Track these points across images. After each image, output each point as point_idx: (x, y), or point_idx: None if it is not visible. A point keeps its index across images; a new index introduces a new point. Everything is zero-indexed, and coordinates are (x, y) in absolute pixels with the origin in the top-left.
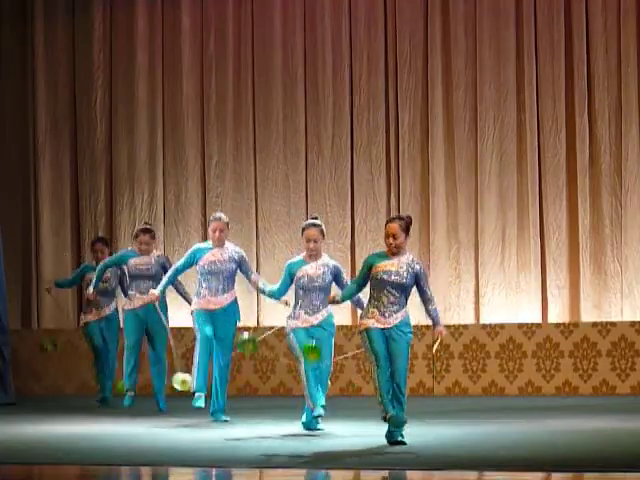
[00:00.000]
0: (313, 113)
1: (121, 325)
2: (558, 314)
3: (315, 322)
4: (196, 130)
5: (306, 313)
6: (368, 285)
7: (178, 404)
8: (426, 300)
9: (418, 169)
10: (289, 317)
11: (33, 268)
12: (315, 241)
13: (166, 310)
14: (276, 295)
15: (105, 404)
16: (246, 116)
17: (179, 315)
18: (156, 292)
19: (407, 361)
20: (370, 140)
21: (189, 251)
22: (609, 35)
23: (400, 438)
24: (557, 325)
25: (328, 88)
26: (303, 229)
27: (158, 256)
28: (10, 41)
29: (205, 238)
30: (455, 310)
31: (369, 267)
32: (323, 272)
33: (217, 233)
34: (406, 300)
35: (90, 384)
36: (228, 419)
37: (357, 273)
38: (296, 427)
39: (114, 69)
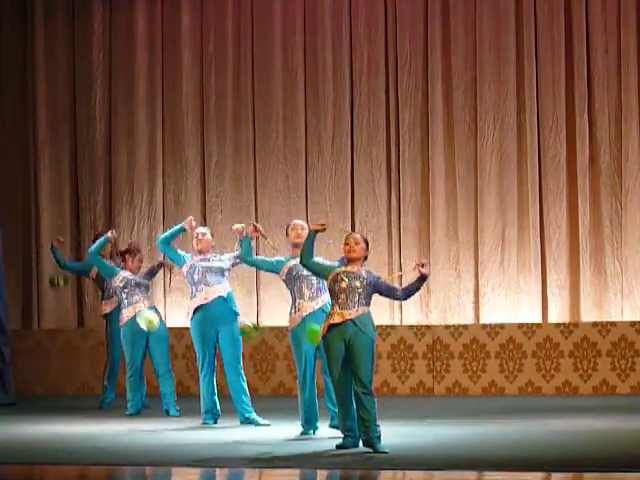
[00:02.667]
0: (313, 113)
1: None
2: (558, 314)
3: (317, 306)
4: (196, 130)
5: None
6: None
7: (178, 405)
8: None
9: (418, 169)
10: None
11: (33, 268)
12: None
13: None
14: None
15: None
16: (246, 116)
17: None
18: None
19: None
20: (370, 140)
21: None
22: (609, 35)
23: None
24: (557, 325)
25: (328, 88)
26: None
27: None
28: (10, 41)
29: None
30: (455, 310)
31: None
32: None
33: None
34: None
35: (90, 384)
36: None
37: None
38: (296, 427)
39: (114, 69)
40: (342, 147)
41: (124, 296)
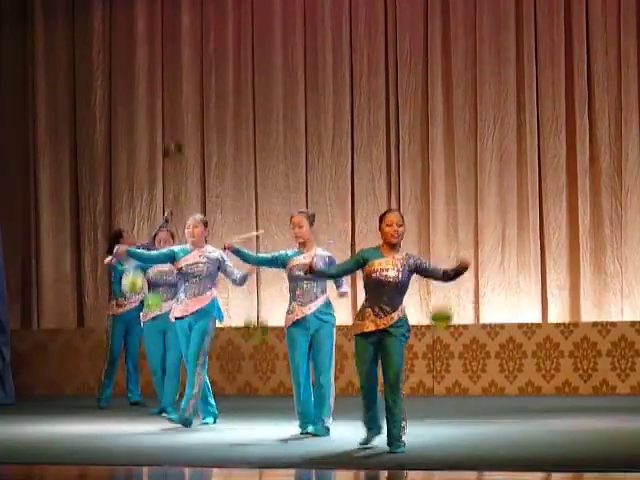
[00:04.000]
0: (313, 113)
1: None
2: (558, 314)
3: (308, 312)
4: (196, 130)
5: (300, 304)
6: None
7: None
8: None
9: (418, 169)
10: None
11: (33, 268)
12: (300, 226)
13: None
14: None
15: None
16: (246, 116)
17: None
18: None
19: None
20: (370, 140)
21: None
22: (609, 35)
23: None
24: (557, 325)
25: (328, 88)
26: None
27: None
28: (10, 41)
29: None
30: (455, 310)
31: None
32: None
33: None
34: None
35: (90, 384)
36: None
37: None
38: (296, 427)
39: (114, 69)
40: (342, 147)
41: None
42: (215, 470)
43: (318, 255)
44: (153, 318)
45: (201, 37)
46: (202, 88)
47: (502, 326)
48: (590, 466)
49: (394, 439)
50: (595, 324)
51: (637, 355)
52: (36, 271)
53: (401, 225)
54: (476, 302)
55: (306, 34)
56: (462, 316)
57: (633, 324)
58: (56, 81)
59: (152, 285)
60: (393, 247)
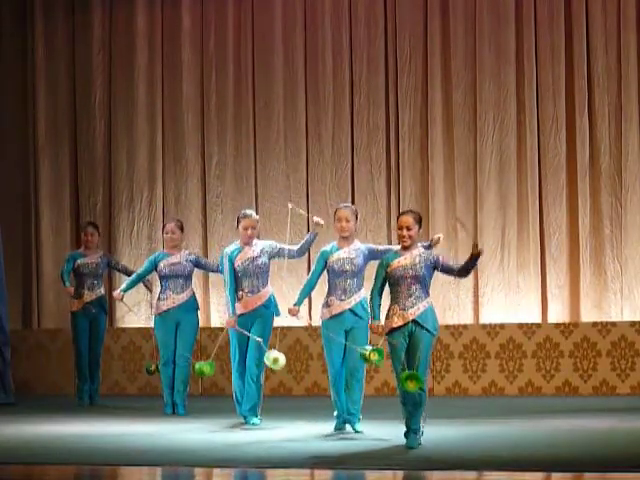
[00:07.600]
0: (313, 113)
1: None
2: (558, 314)
3: (347, 307)
4: (196, 130)
5: (338, 299)
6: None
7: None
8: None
9: (418, 169)
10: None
11: (33, 268)
12: (347, 220)
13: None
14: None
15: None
16: (246, 116)
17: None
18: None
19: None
20: (370, 140)
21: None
22: (609, 35)
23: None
24: (557, 325)
25: (328, 88)
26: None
27: (189, 254)
28: (10, 41)
29: (205, 239)
30: (455, 310)
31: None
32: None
33: (249, 231)
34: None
35: None
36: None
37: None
38: (296, 427)
39: (114, 69)
40: (342, 147)
41: (166, 285)
42: (216, 470)
43: (359, 249)
44: (169, 310)
45: (201, 37)
46: (202, 88)
47: (502, 326)
48: (590, 466)
49: (413, 429)
50: (595, 324)
51: (637, 355)
52: (36, 271)
53: (410, 229)
54: (476, 302)
55: (306, 34)
56: (462, 316)
57: (633, 324)
58: (56, 81)
59: (164, 278)
60: (408, 250)
